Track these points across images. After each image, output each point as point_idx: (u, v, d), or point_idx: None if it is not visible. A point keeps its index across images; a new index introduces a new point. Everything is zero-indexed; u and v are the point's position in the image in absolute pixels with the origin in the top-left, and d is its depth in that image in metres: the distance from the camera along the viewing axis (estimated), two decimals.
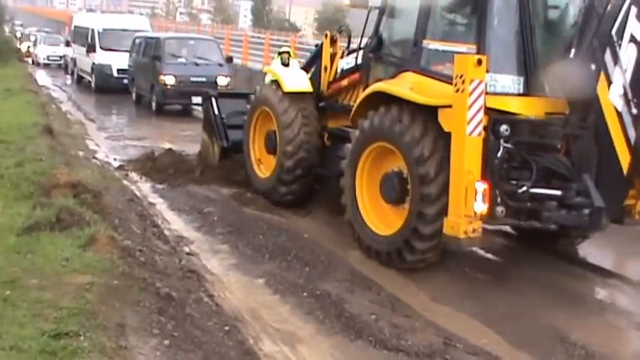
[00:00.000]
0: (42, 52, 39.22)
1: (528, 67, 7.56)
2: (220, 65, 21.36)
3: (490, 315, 6.97)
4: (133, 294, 6.01)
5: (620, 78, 7.09)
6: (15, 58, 35.41)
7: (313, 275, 7.73)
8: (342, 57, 10.13)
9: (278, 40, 31.25)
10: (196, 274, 7.49)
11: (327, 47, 10.35)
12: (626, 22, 7.07)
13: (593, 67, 7.18)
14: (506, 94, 7.52)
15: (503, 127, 7.20)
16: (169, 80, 20.22)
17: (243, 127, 11.18)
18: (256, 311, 6.76)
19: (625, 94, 7.09)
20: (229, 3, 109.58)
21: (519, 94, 7.57)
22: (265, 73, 11.70)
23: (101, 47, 25.21)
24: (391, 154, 8.10)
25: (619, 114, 7.12)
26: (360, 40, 9.60)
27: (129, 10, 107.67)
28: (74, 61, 29.81)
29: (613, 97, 7.12)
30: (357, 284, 7.56)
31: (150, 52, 21.37)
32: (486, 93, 7.09)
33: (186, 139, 16.00)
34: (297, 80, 10.33)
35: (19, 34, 53.12)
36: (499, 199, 7.13)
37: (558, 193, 7.30)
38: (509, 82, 7.56)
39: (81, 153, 13.54)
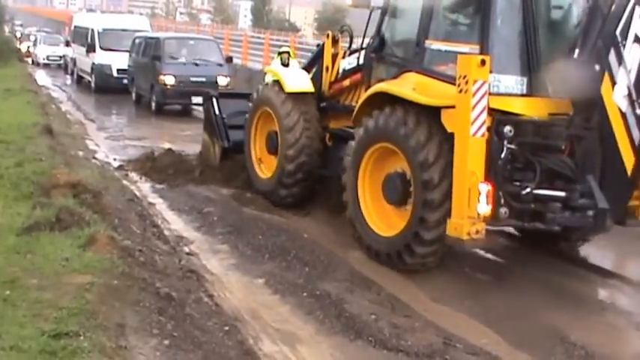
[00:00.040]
0: (42, 52, 39.21)
1: (532, 67, 7.53)
2: (220, 65, 21.35)
3: (490, 315, 6.97)
4: (132, 294, 6.01)
5: (625, 78, 7.04)
6: (15, 58, 35.41)
7: (313, 275, 7.73)
8: (343, 57, 10.09)
9: (278, 40, 31.23)
10: (196, 274, 7.49)
11: (328, 47, 10.32)
12: (630, 22, 7.03)
13: (597, 67, 7.14)
14: (510, 95, 7.49)
15: (507, 128, 7.16)
16: (169, 80, 20.22)
17: (244, 128, 11.15)
18: (256, 311, 6.76)
19: (629, 95, 7.05)
20: (229, 3, 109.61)
21: (523, 95, 7.54)
22: (265, 73, 11.69)
23: (101, 47, 25.20)
24: (393, 155, 8.07)
25: (623, 115, 7.07)
26: (362, 40, 9.56)
27: (129, 10, 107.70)
28: (74, 61, 29.80)
29: (617, 98, 7.07)
30: (356, 284, 7.56)
31: (150, 52, 21.37)
32: (490, 93, 7.06)
33: (185, 139, 15.99)
34: (298, 80, 10.29)
35: (18, 34, 53.10)
36: (502, 201, 7.09)
37: (562, 194, 7.26)
38: (513, 82, 7.52)
39: (81, 153, 13.54)
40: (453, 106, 7.24)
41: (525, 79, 7.54)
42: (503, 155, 7.13)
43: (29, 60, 39.79)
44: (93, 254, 6.49)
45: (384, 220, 8.28)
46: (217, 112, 12.09)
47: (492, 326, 6.72)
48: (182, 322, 5.88)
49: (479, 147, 7.04)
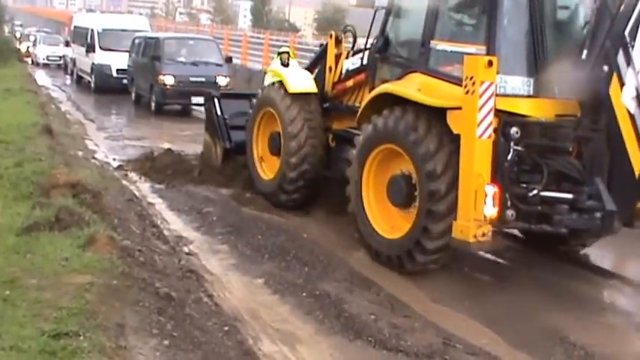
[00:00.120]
0: (41, 52, 39.22)
1: (538, 68, 7.46)
2: (219, 65, 21.35)
3: (489, 315, 6.97)
4: (132, 294, 6.01)
5: (633, 79, 6.94)
6: (14, 58, 35.42)
7: (312, 275, 7.73)
8: (347, 57, 10.03)
9: (277, 41, 31.27)
10: (196, 274, 7.49)
11: (331, 47, 10.26)
12: (639, 23, 6.94)
13: (605, 68, 7.05)
14: (516, 96, 7.42)
15: (514, 130, 7.09)
16: (168, 80, 20.22)
17: (246, 128, 11.09)
18: (256, 311, 6.76)
19: (638, 96, 6.95)
20: (229, 3, 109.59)
21: (529, 96, 7.47)
22: (265, 74, 11.67)
23: (101, 47, 25.21)
24: (398, 157, 8.00)
25: (631, 116, 6.98)
26: (366, 41, 9.48)
27: (128, 11, 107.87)
28: (74, 61, 29.82)
29: (625, 99, 6.98)
30: (356, 284, 7.56)
31: (149, 52, 21.37)
32: (496, 94, 7.00)
33: (185, 139, 16.00)
34: (302, 81, 10.23)
35: (18, 35, 53.10)
36: (509, 203, 7.04)
37: (569, 196, 7.18)
38: (519, 83, 7.45)
39: (80, 153, 13.54)
40: (459, 108, 7.19)
41: (532, 80, 7.47)
42: (509, 157, 7.06)
43: (29, 60, 39.80)
44: (92, 254, 6.49)
45: (388, 222, 8.22)
46: (219, 112, 12.01)
47: (492, 326, 6.72)
48: (182, 322, 5.88)
49: (485, 149, 6.99)
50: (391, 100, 8.13)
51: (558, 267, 8.47)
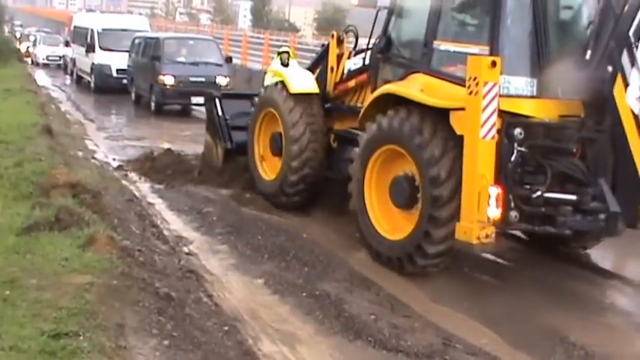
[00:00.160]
0: (41, 52, 39.23)
1: (542, 68, 7.42)
2: (219, 65, 21.35)
3: (489, 315, 6.96)
4: (132, 294, 6.01)
5: (637, 80, 6.91)
6: (14, 58, 35.40)
7: (312, 275, 7.73)
8: (349, 57, 10.00)
9: (277, 41, 31.27)
10: (195, 274, 7.49)
11: (333, 47, 10.21)
12: None
13: (609, 68, 7.03)
14: (520, 97, 7.39)
15: (517, 131, 7.07)
16: (168, 80, 20.22)
17: (248, 128, 11.06)
18: (255, 311, 6.76)
19: None
20: (229, 3, 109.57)
21: (533, 97, 7.44)
22: (265, 74, 11.65)
23: (100, 47, 25.22)
24: (401, 158, 7.95)
25: (635, 117, 6.95)
26: (369, 41, 9.43)
27: (128, 11, 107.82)
28: (73, 61, 29.83)
29: (630, 100, 6.94)
30: (356, 284, 7.56)
31: (149, 52, 21.37)
32: (499, 95, 6.97)
33: (185, 140, 16.00)
34: (303, 81, 10.19)
35: (18, 35, 53.11)
36: (513, 204, 7.01)
37: (573, 197, 7.15)
38: (523, 84, 7.42)
39: (80, 153, 13.54)
40: (462, 108, 7.15)
41: (535, 81, 7.43)
42: (513, 158, 7.03)
43: (29, 60, 39.81)
44: (92, 254, 6.49)
45: (390, 223, 8.18)
46: (220, 113, 11.97)
47: (492, 326, 6.72)
48: (181, 322, 5.88)
49: (489, 150, 6.96)
50: (394, 101, 8.09)
51: (558, 267, 8.47)
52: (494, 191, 6.88)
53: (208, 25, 73.81)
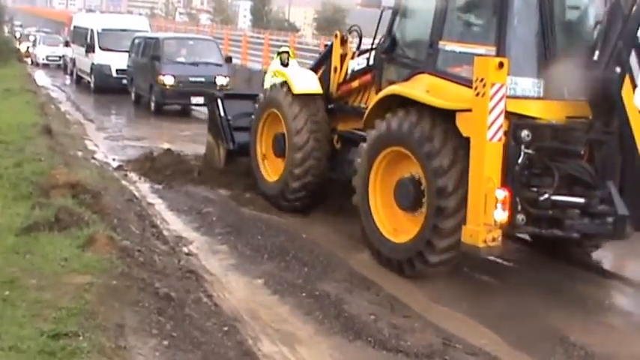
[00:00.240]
0: (41, 52, 39.21)
1: (549, 69, 7.35)
2: (219, 65, 21.33)
3: (489, 315, 6.96)
4: (132, 294, 6.01)
5: None
6: (14, 58, 35.39)
7: (312, 275, 7.73)
8: (352, 58, 9.94)
9: (277, 40, 31.27)
10: (195, 274, 7.48)
11: (337, 48, 10.15)
12: None
13: (617, 69, 6.97)
14: (527, 98, 7.33)
15: (525, 133, 7.01)
16: (168, 80, 20.21)
17: (251, 129, 11.01)
18: (255, 311, 6.76)
19: None
20: (228, 3, 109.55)
21: (539, 98, 7.38)
22: (265, 74, 11.64)
23: (100, 47, 25.21)
24: (406, 159, 7.90)
25: None
26: (373, 41, 9.36)
27: (128, 11, 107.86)
28: (73, 61, 29.82)
29: (638, 101, 6.91)
30: (356, 284, 7.56)
31: (149, 53, 21.36)
32: (506, 96, 6.92)
33: (185, 140, 16.00)
34: (307, 81, 10.13)
35: (18, 35, 53.07)
36: (520, 207, 6.97)
37: (581, 200, 7.10)
38: (530, 85, 7.36)
39: (80, 153, 13.53)
40: (468, 110, 7.10)
41: (542, 82, 7.37)
42: (520, 160, 6.98)
43: (28, 60, 39.79)
44: (92, 254, 6.49)
45: (395, 226, 8.12)
46: (222, 113, 11.92)
47: (492, 327, 6.72)
48: (181, 323, 5.88)
49: (496, 152, 6.90)
50: (399, 102, 8.03)
51: (558, 267, 8.46)
52: (501, 194, 6.83)
53: (208, 25, 73.81)
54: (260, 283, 7.53)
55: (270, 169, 10.71)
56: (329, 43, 10.91)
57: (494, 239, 6.88)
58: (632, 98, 6.93)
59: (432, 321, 6.79)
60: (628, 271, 9.13)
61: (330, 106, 10.09)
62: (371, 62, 9.30)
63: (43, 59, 38.58)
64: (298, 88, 10.00)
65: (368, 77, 9.37)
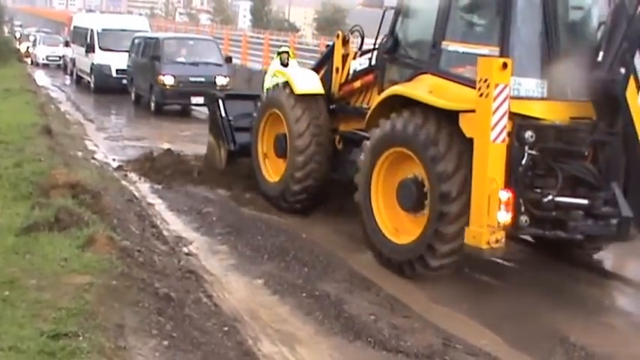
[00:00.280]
0: (41, 52, 39.21)
1: (553, 70, 7.31)
2: (219, 65, 21.33)
3: (489, 316, 6.96)
4: (131, 294, 6.00)
5: None
6: (14, 58, 35.42)
7: (312, 276, 7.72)
8: (354, 58, 9.91)
9: (277, 41, 31.28)
10: (195, 274, 7.48)
11: (339, 48, 10.12)
12: None
13: (622, 70, 6.95)
14: (530, 99, 7.30)
15: (528, 133, 6.98)
16: (168, 80, 20.21)
17: (252, 129, 11.00)
18: (255, 312, 6.75)
19: None
20: (228, 3, 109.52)
21: (543, 98, 7.35)
22: (265, 74, 11.62)
23: (100, 47, 25.22)
24: (408, 160, 7.86)
25: None
26: (375, 41, 9.33)
27: (128, 11, 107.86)
28: (73, 61, 29.84)
29: None
30: (356, 285, 7.55)
31: (149, 53, 21.36)
32: (510, 97, 6.89)
33: (185, 140, 16.00)
34: (309, 82, 10.10)
35: (18, 35, 53.08)
36: (523, 208, 6.94)
37: (585, 202, 7.07)
38: (533, 85, 7.33)
39: (80, 153, 13.53)
40: (472, 111, 7.07)
41: (546, 82, 7.33)
42: (524, 161, 6.95)
43: (28, 60, 39.81)
44: (92, 254, 6.48)
45: (397, 227, 8.10)
46: (224, 114, 11.89)
47: (492, 327, 6.71)
48: (181, 323, 5.87)
49: (499, 153, 6.87)
50: (401, 102, 8.00)
51: (558, 267, 8.46)
52: (505, 195, 6.80)
53: (208, 25, 73.82)
54: (260, 283, 7.52)
55: (272, 169, 10.69)
56: (330, 43, 10.86)
57: (497, 241, 6.85)
58: (636, 99, 6.91)
59: (432, 321, 6.79)
60: (628, 271, 9.14)
61: (331, 107, 10.05)
62: (373, 62, 9.25)
63: (43, 59, 38.59)
64: (300, 88, 9.97)
65: (370, 77, 9.33)
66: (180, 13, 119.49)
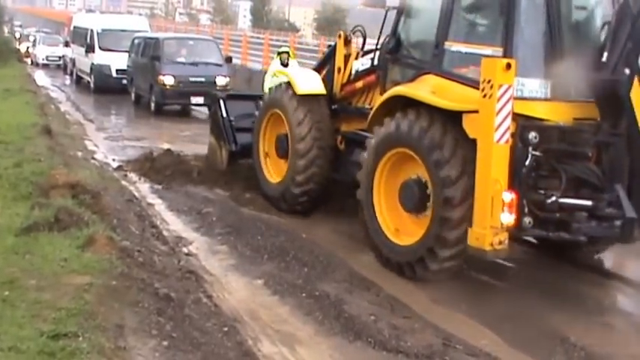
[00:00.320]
0: (41, 52, 39.23)
1: (556, 70, 7.27)
2: (219, 65, 21.32)
3: (489, 316, 6.95)
4: (131, 295, 6.00)
5: None
6: (14, 58, 35.44)
7: (312, 276, 7.72)
8: (356, 58, 9.89)
9: (277, 41, 31.30)
10: (195, 274, 7.48)
11: (340, 48, 10.09)
12: None
13: (626, 71, 6.92)
14: (534, 99, 7.27)
15: (532, 134, 6.95)
16: (168, 80, 20.21)
17: (253, 129, 10.96)
18: (255, 312, 6.75)
19: None
20: (228, 3, 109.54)
21: (547, 99, 7.31)
22: (265, 74, 11.61)
23: (100, 47, 25.22)
24: (411, 161, 7.84)
25: None
26: (377, 41, 9.28)
27: (128, 11, 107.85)
28: (73, 61, 29.84)
29: None
30: (356, 285, 7.55)
31: (149, 53, 21.36)
32: (514, 98, 6.87)
33: (185, 140, 15.99)
34: (310, 82, 10.07)
35: (18, 35, 53.09)
36: (527, 210, 6.91)
37: (589, 203, 7.04)
38: (537, 86, 7.29)
39: (80, 153, 13.52)
40: (475, 111, 7.04)
41: (550, 83, 7.30)
42: (527, 162, 6.92)
43: (28, 60, 39.82)
44: (92, 255, 6.48)
45: (399, 228, 8.08)
46: (225, 114, 11.87)
47: (492, 327, 6.71)
48: (181, 323, 5.87)
49: (503, 154, 6.84)
50: (404, 103, 7.98)
51: (559, 268, 8.46)
52: (508, 196, 6.78)
53: (208, 25, 73.84)
54: (260, 283, 7.52)
55: (273, 170, 10.67)
56: (331, 43, 10.84)
57: (500, 242, 6.82)
58: None
59: (432, 321, 6.78)
60: (628, 271, 9.13)
61: (333, 107, 10.02)
62: (375, 63, 9.22)
63: (43, 59, 38.59)
64: (302, 88, 9.94)
65: (372, 78, 9.29)
66: (180, 13, 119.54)
